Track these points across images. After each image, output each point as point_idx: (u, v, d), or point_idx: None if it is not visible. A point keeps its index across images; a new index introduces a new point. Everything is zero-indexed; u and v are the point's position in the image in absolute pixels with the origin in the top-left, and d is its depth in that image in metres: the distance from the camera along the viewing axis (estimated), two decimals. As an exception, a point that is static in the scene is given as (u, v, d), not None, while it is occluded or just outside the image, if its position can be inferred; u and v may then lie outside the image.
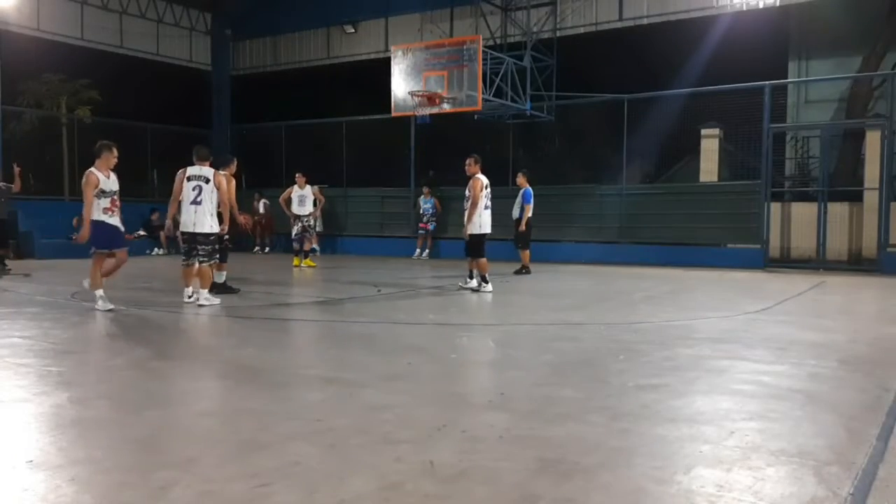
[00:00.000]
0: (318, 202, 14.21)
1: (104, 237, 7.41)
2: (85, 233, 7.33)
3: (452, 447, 3.14)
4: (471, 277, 9.64)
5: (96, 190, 7.26)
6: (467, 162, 9.49)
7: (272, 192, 17.72)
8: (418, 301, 9.02)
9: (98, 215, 7.32)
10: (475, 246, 9.48)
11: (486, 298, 9.09)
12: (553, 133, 17.63)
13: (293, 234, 13.73)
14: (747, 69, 15.57)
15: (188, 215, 7.87)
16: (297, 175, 13.70)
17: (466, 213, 9.48)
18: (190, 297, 7.98)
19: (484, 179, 9.42)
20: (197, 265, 7.93)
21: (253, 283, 10.25)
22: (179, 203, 7.94)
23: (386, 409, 3.73)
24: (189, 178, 7.87)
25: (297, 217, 13.54)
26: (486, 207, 9.40)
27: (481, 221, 9.38)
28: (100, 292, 7.38)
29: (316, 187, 14.35)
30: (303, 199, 13.60)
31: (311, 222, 13.94)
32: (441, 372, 5.00)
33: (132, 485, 2.70)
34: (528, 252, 12.22)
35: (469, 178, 9.51)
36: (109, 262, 7.61)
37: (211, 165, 8.10)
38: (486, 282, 9.42)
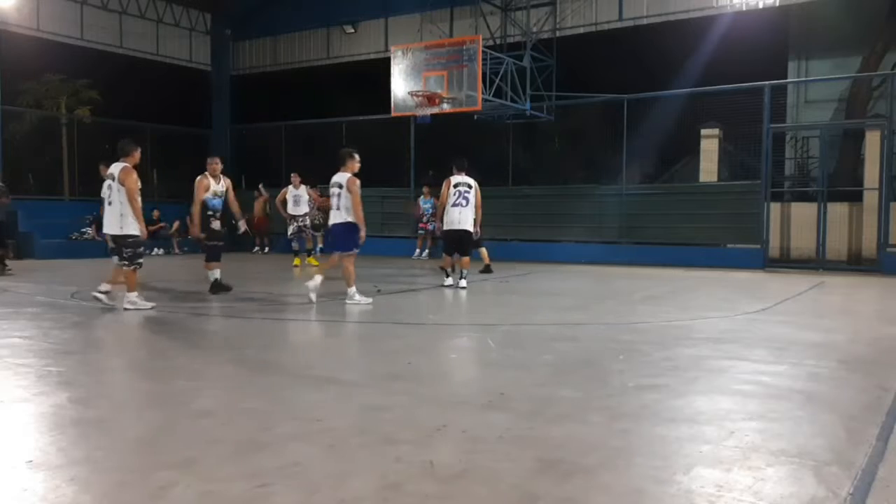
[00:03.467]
0: (313, 202, 14.25)
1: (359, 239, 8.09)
2: (363, 233, 8.04)
3: (452, 447, 3.14)
4: (461, 276, 9.66)
5: None
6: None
7: (272, 193, 17.74)
8: (418, 301, 9.02)
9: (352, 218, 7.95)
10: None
11: (485, 299, 9.08)
12: (553, 133, 17.61)
13: (289, 233, 13.83)
14: (747, 69, 15.57)
15: (104, 216, 7.56)
16: (291, 175, 13.86)
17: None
18: (103, 292, 7.44)
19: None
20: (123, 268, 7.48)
21: (252, 283, 10.25)
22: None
23: (386, 409, 3.73)
24: (106, 178, 7.54)
25: (293, 217, 13.62)
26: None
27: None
28: (353, 289, 8.02)
29: (307, 187, 14.36)
30: (297, 199, 13.71)
31: (307, 222, 13.98)
32: (441, 372, 5.00)
33: (132, 485, 2.70)
34: (483, 250, 12.00)
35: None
36: (333, 259, 8.32)
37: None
38: (448, 276, 10.00)
